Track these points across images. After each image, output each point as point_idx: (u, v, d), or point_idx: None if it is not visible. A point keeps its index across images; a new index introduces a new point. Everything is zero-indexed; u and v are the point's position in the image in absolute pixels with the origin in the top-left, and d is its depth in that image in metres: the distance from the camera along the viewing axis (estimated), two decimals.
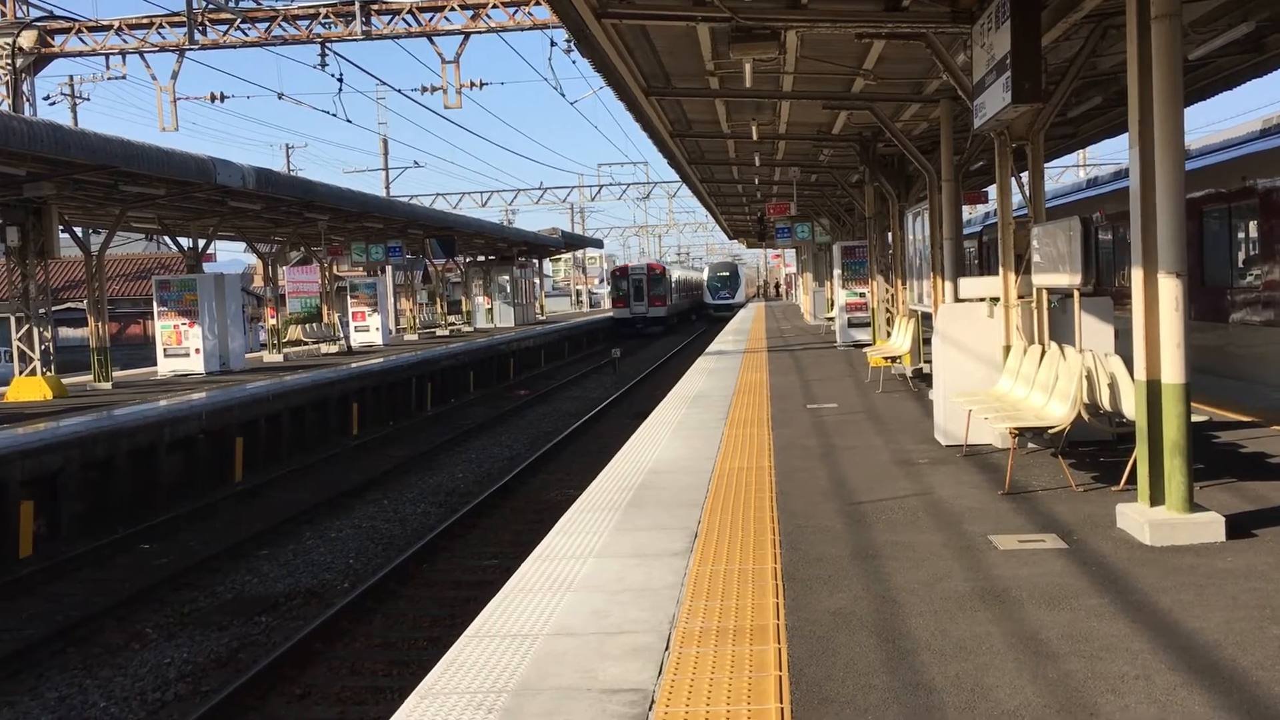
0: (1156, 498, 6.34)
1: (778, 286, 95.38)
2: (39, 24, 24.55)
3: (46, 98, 38.70)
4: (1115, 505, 6.73)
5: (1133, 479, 6.74)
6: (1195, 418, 6.40)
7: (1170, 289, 6.12)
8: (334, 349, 32.60)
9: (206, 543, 13.23)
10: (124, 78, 26.55)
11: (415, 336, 40.42)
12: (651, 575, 5.90)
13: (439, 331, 42.81)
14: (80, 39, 24.73)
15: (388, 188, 55.94)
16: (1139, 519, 6.27)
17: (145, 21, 24.31)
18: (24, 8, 24.70)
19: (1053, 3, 8.24)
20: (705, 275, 72.54)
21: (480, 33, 23.41)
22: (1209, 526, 6.16)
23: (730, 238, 63.72)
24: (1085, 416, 7.73)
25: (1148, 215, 6.24)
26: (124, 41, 24.62)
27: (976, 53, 8.50)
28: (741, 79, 12.31)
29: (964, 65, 9.85)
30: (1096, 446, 9.09)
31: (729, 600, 5.41)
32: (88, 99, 59.16)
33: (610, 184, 71.67)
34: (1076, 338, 8.49)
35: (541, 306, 60.70)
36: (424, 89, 26.38)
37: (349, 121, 26.36)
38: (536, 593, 5.67)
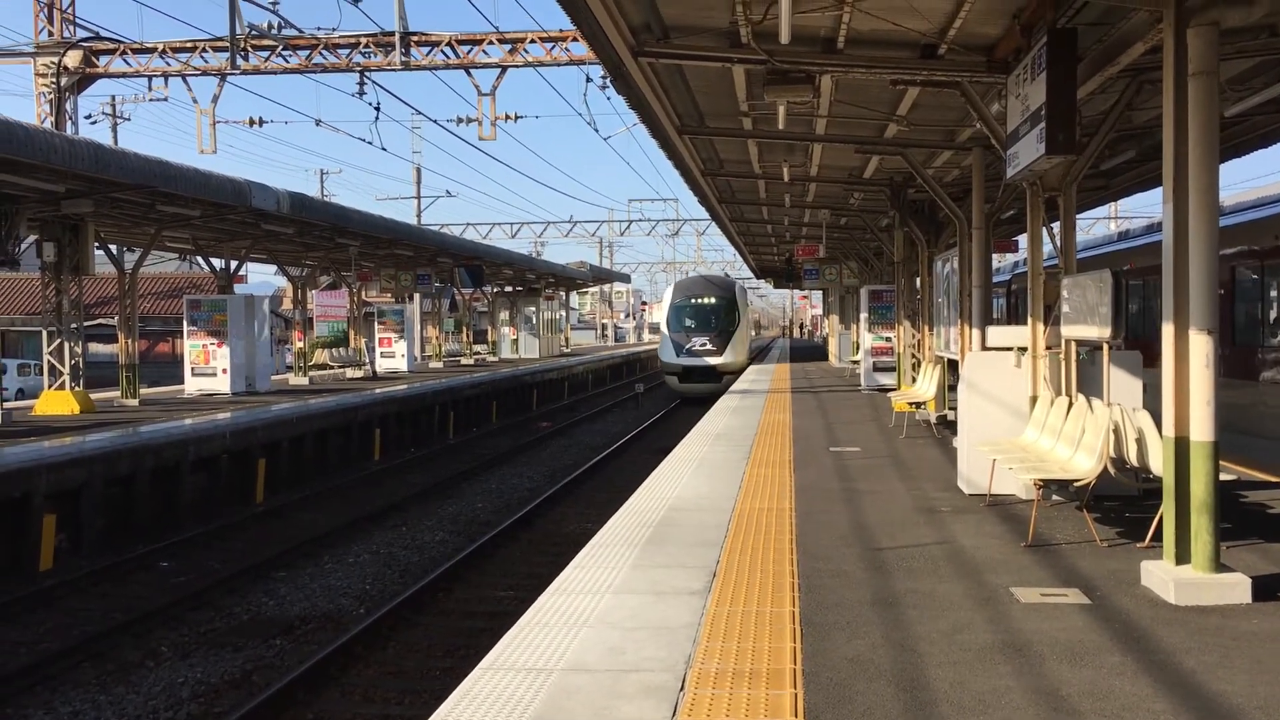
0: (1182, 556, 6.27)
1: (802, 326, 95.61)
2: (85, 44, 25.00)
3: (88, 116, 39.41)
4: (1140, 562, 6.66)
5: (1158, 536, 6.67)
6: (1223, 476, 6.33)
7: (1201, 346, 6.08)
8: (359, 374, 32.77)
9: (225, 563, 13.26)
10: (165, 99, 26.84)
11: (440, 364, 40.58)
12: (669, 614, 5.87)
13: (464, 360, 42.98)
14: (124, 60, 25.15)
15: (419, 216, 56.39)
16: (1164, 577, 6.20)
17: (189, 45, 24.70)
18: (70, 28, 25.16)
19: (1089, 56, 8.27)
20: (666, 304, 37.12)
21: (517, 67, 23.65)
22: (1235, 588, 6.08)
23: (758, 277, 63.71)
24: (1111, 471, 7.66)
25: (1180, 271, 6.21)
26: (167, 64, 25.01)
27: (1011, 103, 8.53)
28: (775, 120, 12.38)
29: (998, 114, 9.88)
30: (1121, 501, 9.01)
31: (746, 642, 5.37)
32: (128, 119, 60.11)
33: (640, 219, 71.61)
34: (1105, 391, 8.44)
35: (567, 339, 60.88)
36: (459, 120, 26.65)
37: (384, 149, 26.64)
38: (553, 627, 5.65)
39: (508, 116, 26.02)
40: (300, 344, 30.51)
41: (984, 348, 11.45)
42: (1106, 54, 8.03)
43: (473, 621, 10.71)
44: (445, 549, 14.23)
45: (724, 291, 36.30)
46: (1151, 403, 7.59)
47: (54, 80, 24.51)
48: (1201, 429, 6.13)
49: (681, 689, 4.71)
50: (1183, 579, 6.10)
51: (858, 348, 27.48)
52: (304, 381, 28.97)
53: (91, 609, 11.26)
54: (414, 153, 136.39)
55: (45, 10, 24.77)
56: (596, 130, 67.04)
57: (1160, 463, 6.67)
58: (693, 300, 35.80)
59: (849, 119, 13.23)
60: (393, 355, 34.85)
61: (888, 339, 23.15)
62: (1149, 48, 7.25)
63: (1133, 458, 7.66)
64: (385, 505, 16.89)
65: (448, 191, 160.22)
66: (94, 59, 25.12)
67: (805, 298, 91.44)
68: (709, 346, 33.93)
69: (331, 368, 34.93)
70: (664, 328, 35.70)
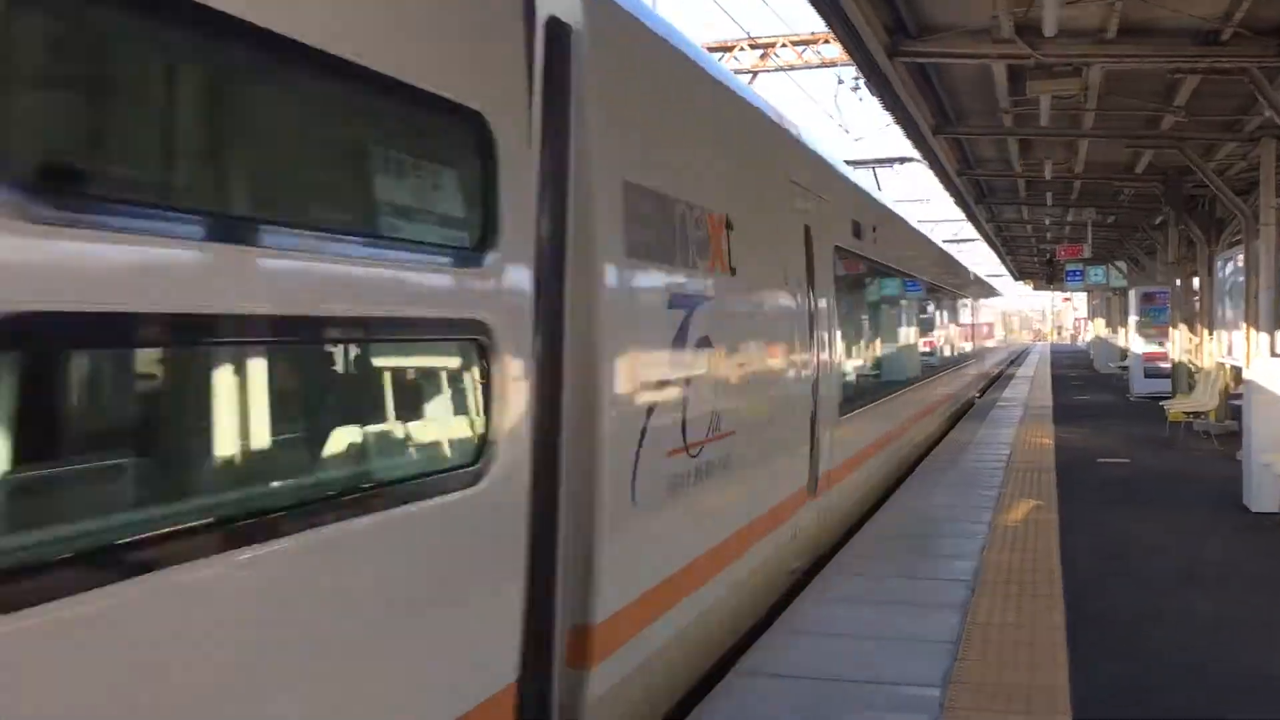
0: None
1: (1062, 329, 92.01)
2: None
3: None
4: None
5: None
6: None
7: None
8: None
9: None
10: None
11: None
12: (928, 626, 5.74)
13: None
14: None
15: None
16: None
17: None
18: None
19: None
20: None
21: (768, 71, 23.67)
22: None
23: (1016, 279, 61.11)
24: None
25: None
26: None
27: None
28: (1037, 116, 11.92)
29: None
30: None
31: (1008, 662, 5.19)
32: None
33: None
34: None
35: None
36: None
37: None
38: (808, 634, 5.64)
39: None
40: None
41: (1274, 354, 10.59)
42: None
43: None
44: None
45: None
46: None
47: None
48: None
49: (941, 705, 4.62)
50: None
51: (1125, 353, 25.98)
52: None
53: None
54: None
55: None
56: (847, 132, 66.09)
57: None
58: None
59: (1119, 111, 12.53)
60: None
61: (1161, 344, 21.82)
62: None
63: None
64: None
65: None
66: None
67: (1068, 299, 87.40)
68: None
69: None
70: None
